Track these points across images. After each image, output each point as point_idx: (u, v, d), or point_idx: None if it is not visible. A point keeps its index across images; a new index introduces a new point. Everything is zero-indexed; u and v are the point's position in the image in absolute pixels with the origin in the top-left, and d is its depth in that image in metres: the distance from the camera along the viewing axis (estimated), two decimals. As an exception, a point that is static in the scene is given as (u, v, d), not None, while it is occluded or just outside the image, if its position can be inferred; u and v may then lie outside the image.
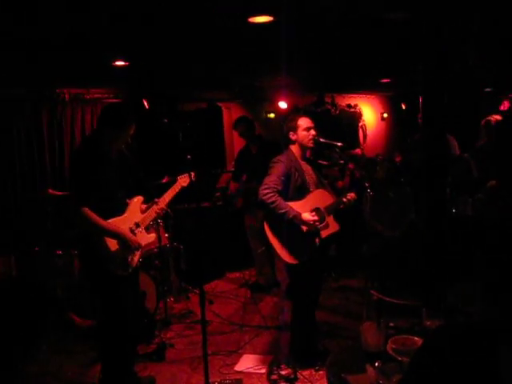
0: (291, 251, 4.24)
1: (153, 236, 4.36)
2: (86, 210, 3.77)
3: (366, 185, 5.29)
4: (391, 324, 4.52)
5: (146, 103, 6.93)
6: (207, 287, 7.03)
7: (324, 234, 4.38)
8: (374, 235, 6.16)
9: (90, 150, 3.93)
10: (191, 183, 4.48)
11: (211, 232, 7.49)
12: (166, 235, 6.35)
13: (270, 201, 4.09)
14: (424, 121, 4.96)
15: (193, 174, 4.43)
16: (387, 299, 4.75)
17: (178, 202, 4.79)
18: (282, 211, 4.10)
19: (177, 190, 4.53)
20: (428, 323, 2.98)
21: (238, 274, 7.60)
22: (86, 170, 3.81)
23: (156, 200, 4.36)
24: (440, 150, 4.99)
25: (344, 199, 4.48)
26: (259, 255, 6.79)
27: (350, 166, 6.46)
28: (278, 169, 4.26)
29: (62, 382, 4.66)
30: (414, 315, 4.33)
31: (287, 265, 4.34)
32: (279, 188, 4.17)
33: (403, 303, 4.85)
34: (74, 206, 3.79)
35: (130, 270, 4.06)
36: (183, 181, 4.57)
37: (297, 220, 4.15)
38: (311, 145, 4.43)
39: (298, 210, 4.17)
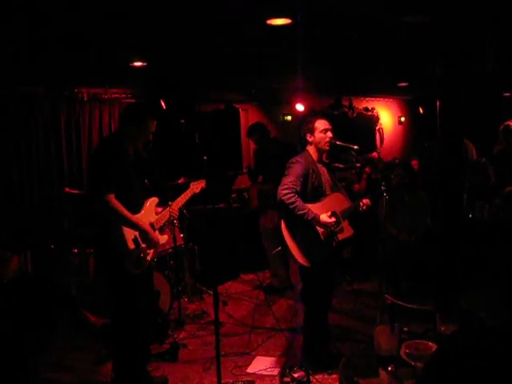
0: (306, 253, 4.26)
1: (165, 237, 4.38)
2: (112, 197, 3.81)
3: (382, 188, 5.14)
4: (405, 329, 4.50)
5: (163, 103, 6.93)
6: (221, 288, 7.02)
7: (340, 237, 4.42)
8: (388, 239, 6.14)
9: (113, 144, 4.01)
10: (203, 190, 4.70)
11: (226, 233, 7.48)
12: (181, 236, 6.36)
13: (289, 201, 4.11)
14: (441, 125, 5.15)
15: (204, 181, 4.68)
16: (401, 303, 4.72)
17: (194, 203, 4.89)
18: (302, 212, 4.13)
19: (189, 195, 4.68)
20: (442, 328, 2.94)
21: (252, 276, 7.57)
22: (111, 161, 3.88)
23: (170, 203, 4.42)
24: (457, 154, 5.07)
25: (359, 203, 4.53)
26: (274, 257, 6.78)
27: (367, 169, 6.53)
28: (296, 169, 4.28)
29: (75, 378, 4.68)
30: (428, 320, 4.27)
31: (300, 267, 4.36)
32: (298, 189, 4.19)
33: (417, 308, 4.81)
34: (99, 194, 3.82)
35: (144, 269, 4.08)
36: (196, 187, 4.74)
37: (315, 222, 4.19)
38: (327, 147, 4.45)
39: (316, 212, 4.21)
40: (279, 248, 6.29)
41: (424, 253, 5.71)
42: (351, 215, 4.55)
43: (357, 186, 6.24)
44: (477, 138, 7.02)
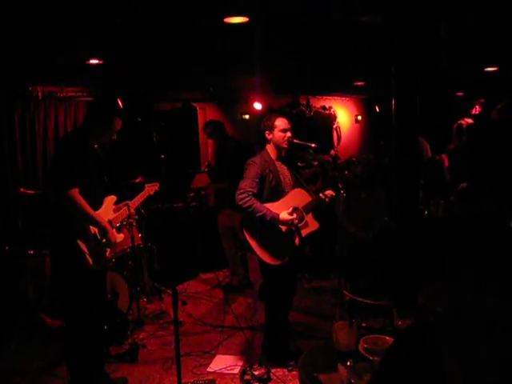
0: (272, 252, 4.29)
1: (122, 236, 4.35)
2: (76, 191, 3.80)
3: (339, 186, 5.02)
4: (363, 324, 4.64)
5: (119, 102, 6.86)
6: (180, 288, 6.99)
7: (304, 232, 4.42)
8: (346, 236, 6.14)
9: (78, 140, 3.98)
10: (158, 191, 4.96)
11: (185, 232, 7.44)
12: (140, 235, 6.30)
13: (246, 205, 4.15)
14: (396, 123, 4.97)
15: (158, 184, 4.98)
16: (359, 299, 4.85)
17: (152, 202, 4.88)
18: (260, 214, 4.16)
19: (145, 197, 4.90)
20: (399, 323, 3.00)
21: (211, 275, 7.55)
22: (76, 156, 3.86)
23: (127, 202, 4.49)
24: (412, 152, 5.03)
25: (322, 196, 4.52)
26: (232, 255, 6.80)
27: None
28: (251, 171, 4.30)
29: (30, 380, 4.61)
30: (385, 315, 4.61)
31: (262, 265, 4.37)
32: (254, 191, 4.22)
33: (375, 303, 4.92)
34: (63, 188, 3.79)
35: (101, 266, 4.10)
36: (150, 189, 4.98)
37: (275, 221, 4.21)
38: (285, 146, 4.46)
39: (276, 211, 4.22)
40: (242, 252, 6.50)
41: (381, 249, 5.77)
42: (316, 209, 4.56)
43: (312, 187, 6.18)
44: (431, 136, 7.22)
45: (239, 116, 9.12)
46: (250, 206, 4.15)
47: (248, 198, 4.15)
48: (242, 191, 4.19)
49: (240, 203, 4.15)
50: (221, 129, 6.80)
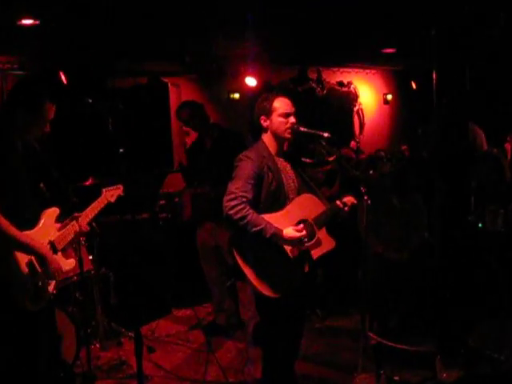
0: (272, 281, 4.26)
1: (72, 262, 4.31)
2: None
3: (362, 190, 4.98)
4: (395, 377, 4.62)
5: (62, 77, 6.82)
6: (146, 329, 6.90)
7: (316, 253, 4.41)
8: (372, 258, 6.06)
9: None
10: (120, 198, 4.81)
11: (151, 253, 7.34)
12: (90, 258, 6.22)
13: (239, 216, 4.13)
14: (439, 105, 5.05)
15: (121, 187, 4.83)
16: (389, 344, 4.80)
17: (108, 212, 4.80)
18: (258, 228, 4.14)
19: (102, 205, 4.71)
20: (444, 375, 3.02)
21: (188, 312, 7.49)
22: None
23: (76, 215, 4.38)
24: (461, 144, 5.15)
25: (339, 204, 4.53)
26: (217, 285, 6.73)
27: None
28: (244, 169, 4.30)
29: None
30: (425, 365, 4.56)
31: (258, 298, 4.40)
32: (249, 196, 4.21)
33: (411, 349, 4.86)
34: None
35: (43, 304, 3.97)
36: (110, 195, 4.84)
37: (278, 239, 4.20)
38: (288, 135, 4.47)
39: (278, 225, 4.20)
40: (231, 280, 6.41)
41: (419, 276, 5.83)
42: (332, 222, 4.56)
43: (326, 190, 6.34)
44: (487, 124, 7.10)
45: (226, 95, 9.17)
46: (244, 218, 4.12)
47: (241, 206, 4.13)
48: (232, 196, 4.17)
49: (230, 213, 4.13)
50: (200, 113, 6.75)
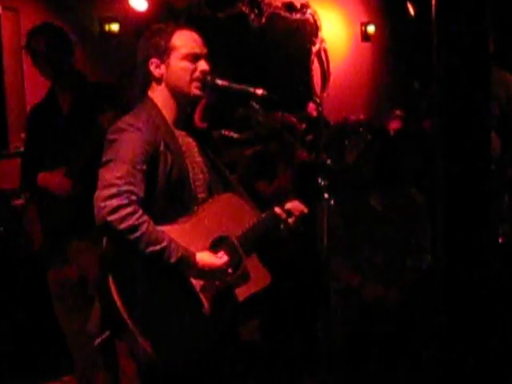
0: (171, 338, 3.56)
1: None
2: None
3: (321, 183, 4.19)
4: None
5: None
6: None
7: (241, 294, 3.78)
8: (340, 298, 5.20)
9: None
10: None
11: None
12: None
13: (127, 225, 3.36)
14: (440, 48, 4.19)
15: None
16: None
17: None
18: (157, 248, 3.43)
19: None
20: None
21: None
22: None
23: None
24: (481, 103, 4.26)
25: (279, 213, 3.95)
26: (81, 344, 5.44)
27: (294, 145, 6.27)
28: (129, 147, 3.57)
29: None
30: None
31: (144, 366, 3.74)
32: (139, 192, 3.46)
33: None
34: None
35: None
36: None
37: (187, 266, 3.56)
38: (196, 91, 3.76)
39: (183, 244, 3.54)
40: (105, 335, 4.63)
41: (418, 329, 5.07)
42: (267, 242, 3.98)
43: (264, 183, 5.88)
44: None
45: (97, 27, 8.05)
46: (136, 229, 3.37)
47: (130, 209, 3.35)
48: (113, 191, 3.39)
49: (111, 219, 3.34)
50: (65, 44, 5.50)
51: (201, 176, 3.88)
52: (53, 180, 5.31)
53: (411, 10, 9.31)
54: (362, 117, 6.12)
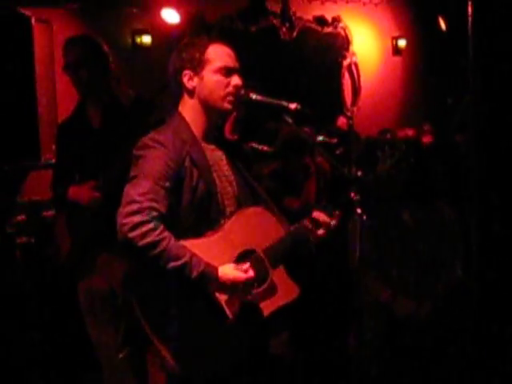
0: (196, 353, 3.53)
1: None
2: None
3: (353, 198, 4.11)
4: None
5: None
6: None
7: (267, 308, 3.67)
8: (372, 312, 5.21)
9: None
10: None
11: (3, 307, 5.82)
12: None
13: (147, 241, 3.34)
14: (476, 60, 4.58)
15: None
16: None
17: None
18: (178, 264, 3.40)
19: None
20: None
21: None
22: None
23: None
24: None
25: (308, 225, 3.88)
26: (111, 357, 5.38)
27: (319, 159, 6.36)
28: (154, 164, 3.57)
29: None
30: None
31: (174, 380, 3.66)
32: (162, 209, 3.43)
33: None
34: None
35: None
36: None
37: (209, 281, 3.52)
38: (228, 106, 3.71)
39: (208, 260, 3.49)
40: (127, 350, 5.23)
41: (451, 342, 5.01)
42: (295, 255, 3.87)
43: (292, 199, 5.76)
44: None
45: (129, 39, 8.24)
46: (156, 245, 3.35)
47: (151, 226, 3.32)
48: (133, 208, 3.39)
49: (131, 236, 3.31)
50: (101, 56, 5.38)
51: (229, 189, 3.82)
52: (83, 193, 5.27)
53: (442, 25, 9.36)
54: (389, 135, 6.05)
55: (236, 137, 4.65)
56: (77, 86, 5.37)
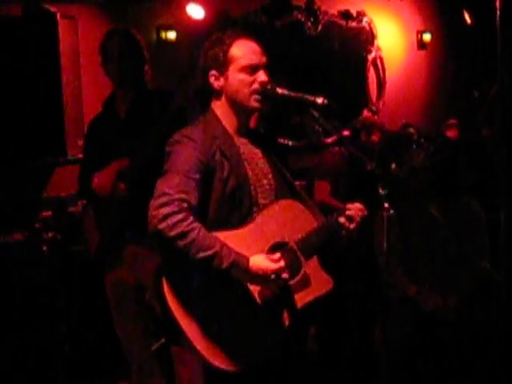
0: (228, 345, 3.53)
1: None
2: None
3: (381, 192, 4.03)
4: None
5: None
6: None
7: (301, 300, 3.72)
8: (399, 306, 5.22)
9: None
10: None
11: (30, 301, 6.03)
12: None
13: (176, 232, 3.38)
14: (503, 52, 4.24)
15: None
16: None
17: None
18: (207, 254, 3.44)
19: None
20: None
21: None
22: None
23: None
24: None
25: (341, 219, 3.86)
26: (138, 351, 5.41)
27: (344, 149, 6.35)
28: (183, 158, 3.64)
29: None
30: None
31: (207, 373, 3.71)
32: (192, 201, 3.48)
33: None
34: None
35: None
36: None
37: (240, 272, 3.52)
38: (255, 103, 3.74)
39: (240, 250, 3.51)
40: (161, 341, 5.24)
41: (477, 337, 4.99)
42: (329, 247, 3.95)
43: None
44: None
45: (154, 35, 8.15)
46: (185, 235, 3.38)
47: (180, 216, 3.37)
48: (164, 200, 3.44)
49: (161, 227, 3.36)
50: (141, 48, 5.48)
51: (265, 182, 3.86)
52: (106, 182, 5.30)
53: (467, 18, 9.35)
54: (412, 129, 6.20)
55: (263, 129, 4.59)
56: (115, 77, 5.42)
